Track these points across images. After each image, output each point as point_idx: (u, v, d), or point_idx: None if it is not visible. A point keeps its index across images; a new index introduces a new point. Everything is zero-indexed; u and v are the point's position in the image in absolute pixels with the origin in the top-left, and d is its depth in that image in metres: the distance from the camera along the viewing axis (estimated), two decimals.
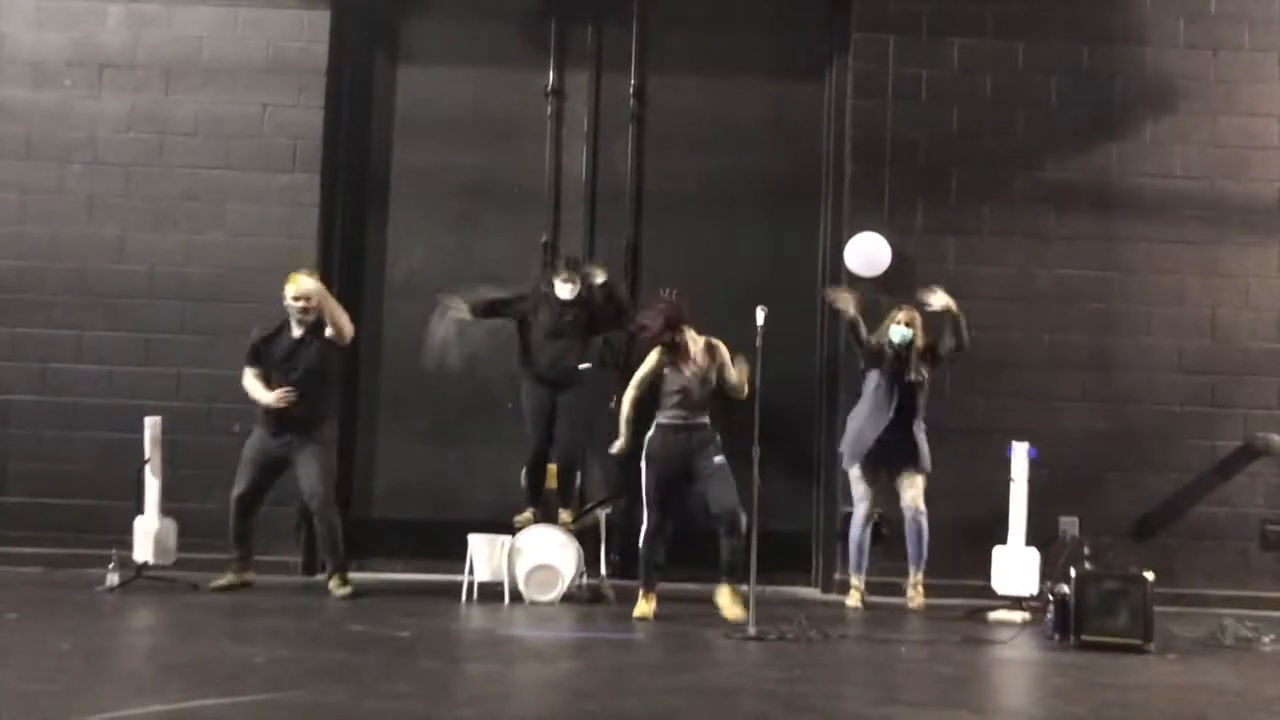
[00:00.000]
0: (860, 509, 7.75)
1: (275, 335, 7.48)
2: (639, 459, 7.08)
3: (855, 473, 7.76)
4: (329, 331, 7.42)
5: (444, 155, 8.75)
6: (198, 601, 7.12)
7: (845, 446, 7.85)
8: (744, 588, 6.51)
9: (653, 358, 7.08)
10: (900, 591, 7.73)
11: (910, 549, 7.67)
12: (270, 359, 7.44)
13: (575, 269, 7.89)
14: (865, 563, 7.75)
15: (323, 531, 7.52)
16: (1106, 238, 8.47)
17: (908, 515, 7.65)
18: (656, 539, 6.99)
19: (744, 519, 6.80)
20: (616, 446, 7.18)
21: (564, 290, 7.82)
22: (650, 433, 7.05)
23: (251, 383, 7.46)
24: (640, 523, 7.13)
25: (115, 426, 8.10)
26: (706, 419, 7.06)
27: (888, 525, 7.86)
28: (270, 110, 8.48)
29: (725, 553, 6.90)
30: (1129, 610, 6.33)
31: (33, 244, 8.39)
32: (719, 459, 6.96)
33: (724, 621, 6.71)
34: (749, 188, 8.76)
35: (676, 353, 7.02)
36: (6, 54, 8.51)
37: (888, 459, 7.68)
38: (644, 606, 6.92)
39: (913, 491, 7.65)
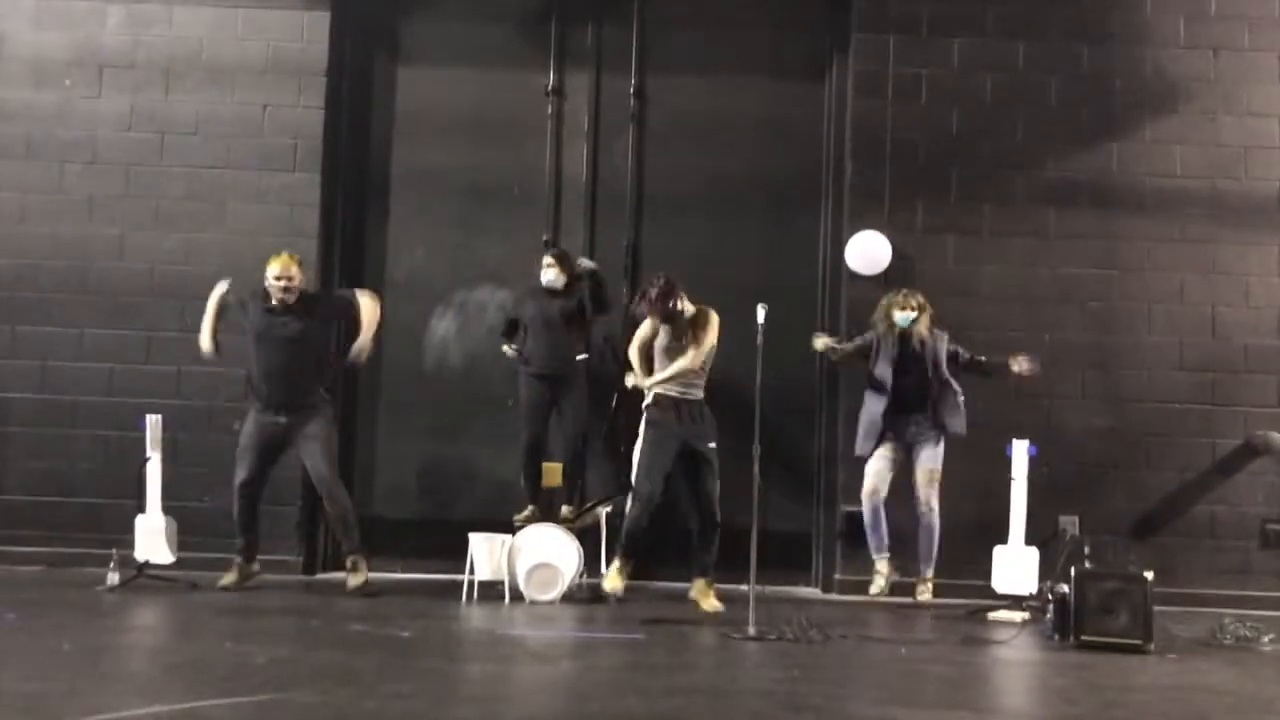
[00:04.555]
0: (868, 483, 7.76)
1: (258, 307, 7.46)
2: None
3: (874, 454, 7.80)
4: (355, 353, 7.50)
5: (444, 155, 8.76)
6: (198, 601, 7.12)
7: (859, 439, 7.86)
8: (744, 587, 6.50)
9: (647, 323, 7.19)
10: (905, 590, 7.78)
11: (920, 547, 7.72)
12: (255, 333, 7.43)
13: (559, 255, 7.96)
14: (886, 541, 7.75)
15: (334, 514, 7.52)
16: (1106, 237, 8.47)
17: (918, 510, 7.70)
18: (645, 510, 7.00)
19: (719, 518, 7.03)
20: (631, 381, 7.28)
21: (548, 276, 7.87)
22: (648, 402, 7.10)
23: (208, 316, 7.46)
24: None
25: (116, 425, 8.12)
26: (702, 392, 7.12)
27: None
28: (270, 110, 8.48)
29: (701, 549, 7.11)
30: (1129, 610, 6.32)
31: (33, 243, 8.39)
32: (713, 445, 7.06)
33: (722, 621, 6.71)
34: (749, 188, 8.77)
35: (672, 323, 7.11)
36: (6, 54, 8.51)
37: (904, 434, 7.77)
38: (615, 579, 6.98)
39: (927, 486, 7.69)
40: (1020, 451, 7.45)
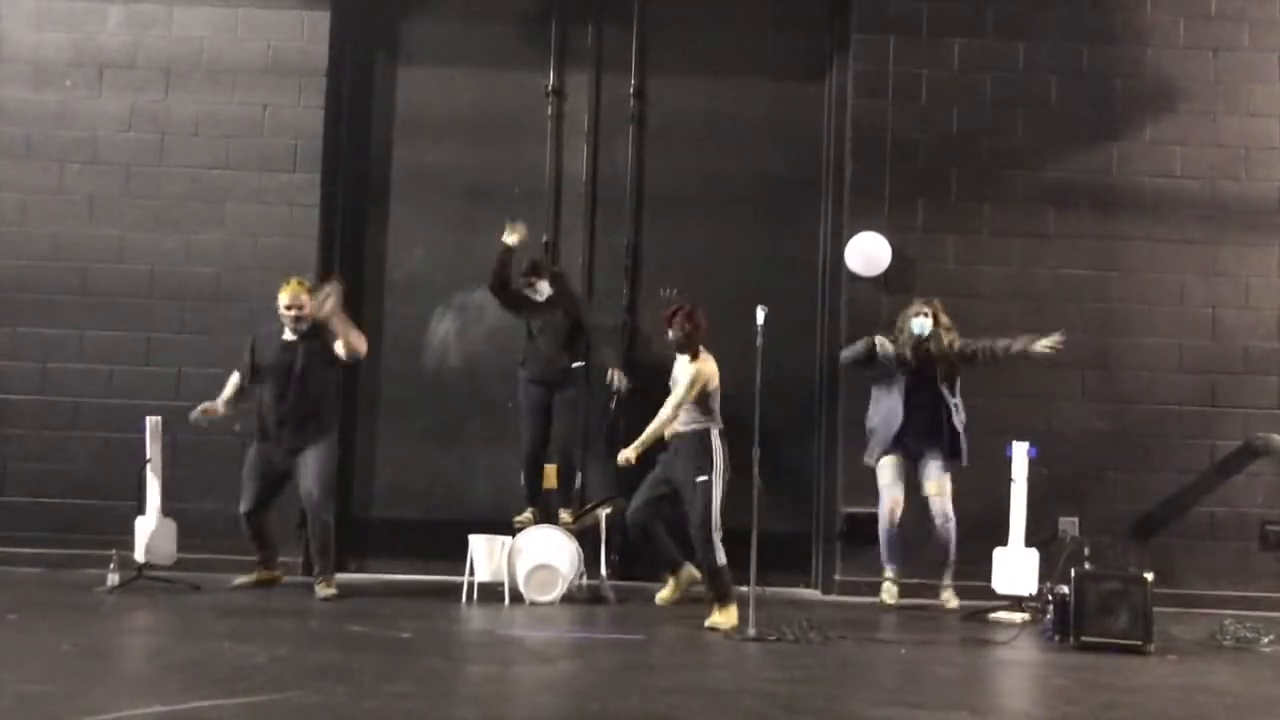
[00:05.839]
0: (885, 499, 7.74)
1: (269, 341, 7.51)
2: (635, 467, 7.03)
3: (883, 463, 7.77)
4: (339, 348, 7.39)
5: (444, 155, 8.76)
6: (198, 601, 7.12)
7: (871, 448, 7.81)
8: (744, 588, 6.49)
9: (704, 371, 6.86)
10: (910, 592, 7.79)
11: (939, 556, 7.69)
12: (263, 366, 7.46)
13: (537, 270, 7.98)
14: (898, 554, 7.74)
15: (315, 532, 7.52)
16: (1106, 237, 8.47)
17: (936, 521, 7.65)
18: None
19: (700, 553, 6.79)
20: (632, 454, 6.91)
21: (534, 293, 7.95)
22: (717, 443, 6.85)
23: (228, 388, 7.50)
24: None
25: (116, 426, 8.12)
26: (688, 425, 6.95)
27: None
28: (270, 110, 8.48)
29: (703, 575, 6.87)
30: (1129, 610, 6.33)
31: (33, 244, 8.39)
32: (701, 478, 6.79)
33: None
34: (749, 188, 8.76)
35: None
36: (6, 54, 8.51)
37: (915, 449, 7.73)
38: (728, 615, 6.68)
39: (940, 497, 7.65)
40: (1020, 453, 7.45)
